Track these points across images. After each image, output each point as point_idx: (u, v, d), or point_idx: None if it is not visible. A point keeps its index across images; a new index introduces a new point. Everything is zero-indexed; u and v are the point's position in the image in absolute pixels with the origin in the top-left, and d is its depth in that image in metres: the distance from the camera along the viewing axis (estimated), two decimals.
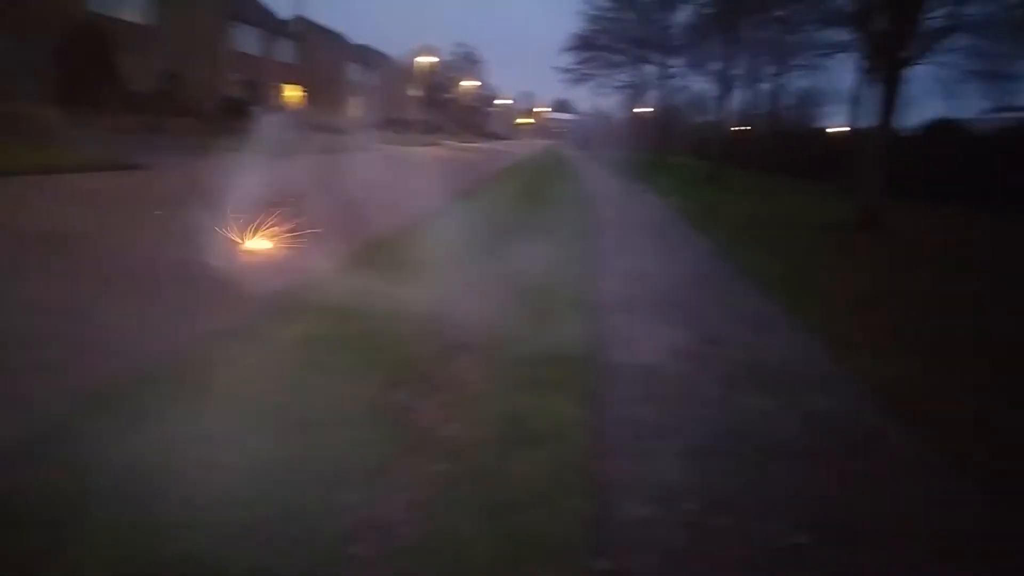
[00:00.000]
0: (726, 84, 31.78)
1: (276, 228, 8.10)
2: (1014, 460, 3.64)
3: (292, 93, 50.70)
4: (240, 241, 7.84)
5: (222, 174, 13.98)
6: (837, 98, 39.48)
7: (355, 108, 63.10)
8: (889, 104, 13.27)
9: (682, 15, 36.28)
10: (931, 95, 28.26)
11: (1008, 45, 18.74)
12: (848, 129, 31.77)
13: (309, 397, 3.74)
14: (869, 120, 16.12)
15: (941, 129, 23.95)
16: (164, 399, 3.53)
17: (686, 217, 15.19)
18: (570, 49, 45.12)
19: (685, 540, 2.66)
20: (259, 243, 7.97)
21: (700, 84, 43.57)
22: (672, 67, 41.70)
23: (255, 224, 7.96)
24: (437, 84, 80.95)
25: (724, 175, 28.47)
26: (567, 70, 46.74)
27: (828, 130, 38.22)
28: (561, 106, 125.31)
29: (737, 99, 38.94)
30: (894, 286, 8.76)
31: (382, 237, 9.42)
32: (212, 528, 2.45)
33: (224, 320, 5.07)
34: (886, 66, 13.04)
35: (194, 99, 34.68)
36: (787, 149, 33.82)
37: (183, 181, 14.86)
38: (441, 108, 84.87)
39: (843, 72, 49.01)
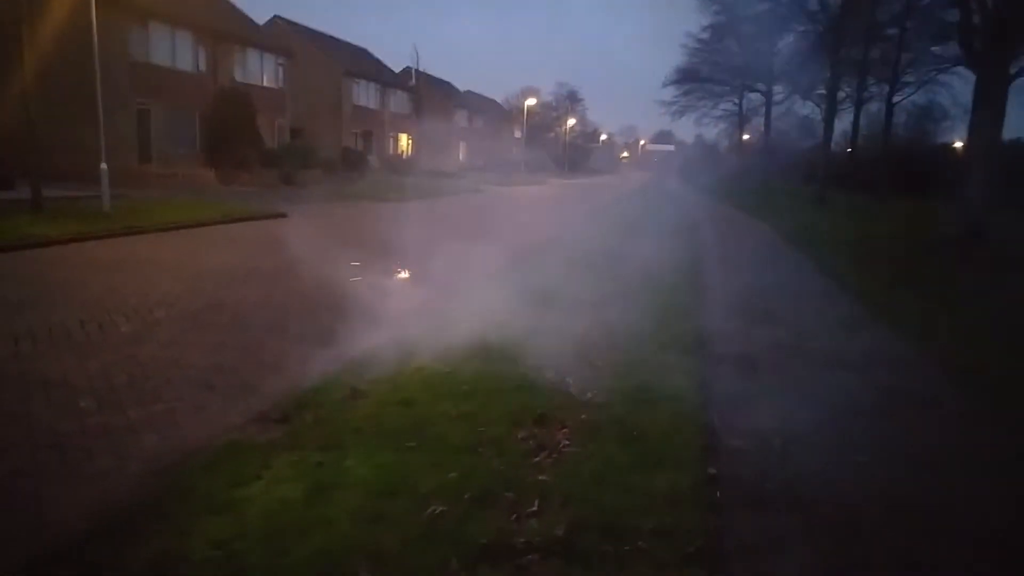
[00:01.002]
0: (832, 107, 31.61)
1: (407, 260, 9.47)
2: None
3: (405, 141, 53.89)
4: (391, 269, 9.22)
5: (351, 217, 15.63)
6: (959, 112, 38.16)
7: (463, 152, 66.01)
8: (993, 118, 13.37)
9: (785, 41, 36.38)
10: None
11: None
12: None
13: None
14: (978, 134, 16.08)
15: None
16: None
17: (788, 239, 15.61)
18: (672, 82, 45.96)
19: None
20: (396, 273, 9.32)
21: (806, 109, 43.24)
22: (776, 93, 41.67)
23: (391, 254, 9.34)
24: (540, 124, 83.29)
25: (831, 197, 28.27)
26: (669, 103, 47.56)
27: (953, 145, 37.00)
28: (663, 138, 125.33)
29: (845, 121, 38.44)
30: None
31: (484, 270, 10.60)
32: None
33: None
34: (992, 81, 13.19)
35: (318, 151, 37.71)
36: (898, 168, 33.05)
37: (321, 224, 16.83)
38: (544, 146, 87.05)
39: (964, 85, 47.09)
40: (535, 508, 3.03)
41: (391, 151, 51.26)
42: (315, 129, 40.94)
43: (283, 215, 17.73)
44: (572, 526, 2.87)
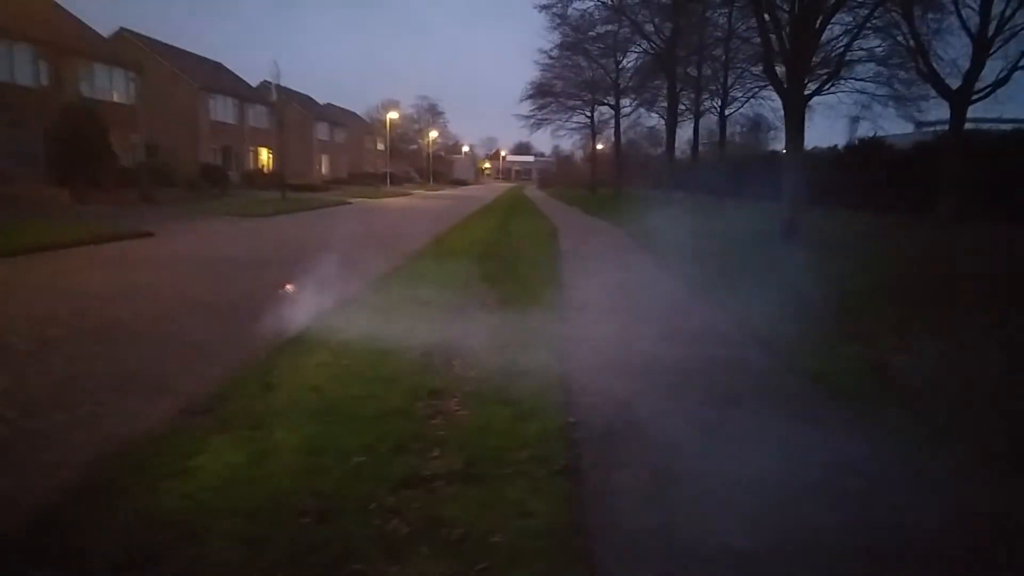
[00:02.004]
0: (673, 118, 34.51)
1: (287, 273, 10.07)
2: None
3: (265, 155, 52.88)
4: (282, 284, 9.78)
5: (223, 234, 15.81)
6: (781, 124, 42.44)
7: (325, 164, 65.40)
8: (798, 131, 15.75)
9: (629, 59, 39.15)
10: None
11: (903, 73, 21.81)
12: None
13: None
14: (808, 143, 18.64)
15: (864, 146, 26.74)
16: None
17: (635, 238, 17.36)
18: (528, 97, 48.04)
19: None
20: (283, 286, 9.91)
21: (652, 120, 46.52)
22: (624, 106, 44.60)
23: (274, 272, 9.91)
24: (402, 136, 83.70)
25: (676, 200, 30.90)
26: (526, 116, 49.64)
27: (780, 152, 41.02)
28: (523, 149, 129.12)
29: (689, 130, 41.80)
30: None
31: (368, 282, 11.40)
32: None
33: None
34: (792, 100, 15.57)
35: (176, 168, 36.51)
36: (735, 174, 36.37)
37: (192, 241, 16.85)
38: (407, 158, 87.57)
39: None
40: (437, 453, 3.95)
41: (251, 166, 50.22)
42: (172, 145, 39.61)
43: (150, 234, 17.42)
44: (467, 462, 3.81)
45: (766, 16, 16.31)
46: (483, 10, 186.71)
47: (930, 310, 8.27)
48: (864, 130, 32.96)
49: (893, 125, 30.97)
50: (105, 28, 39.81)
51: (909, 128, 31.19)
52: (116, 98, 34.29)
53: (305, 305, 8.38)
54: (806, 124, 16.47)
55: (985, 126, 28.04)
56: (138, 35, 43.23)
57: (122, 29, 42.39)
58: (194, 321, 8.14)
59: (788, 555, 2.90)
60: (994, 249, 14.25)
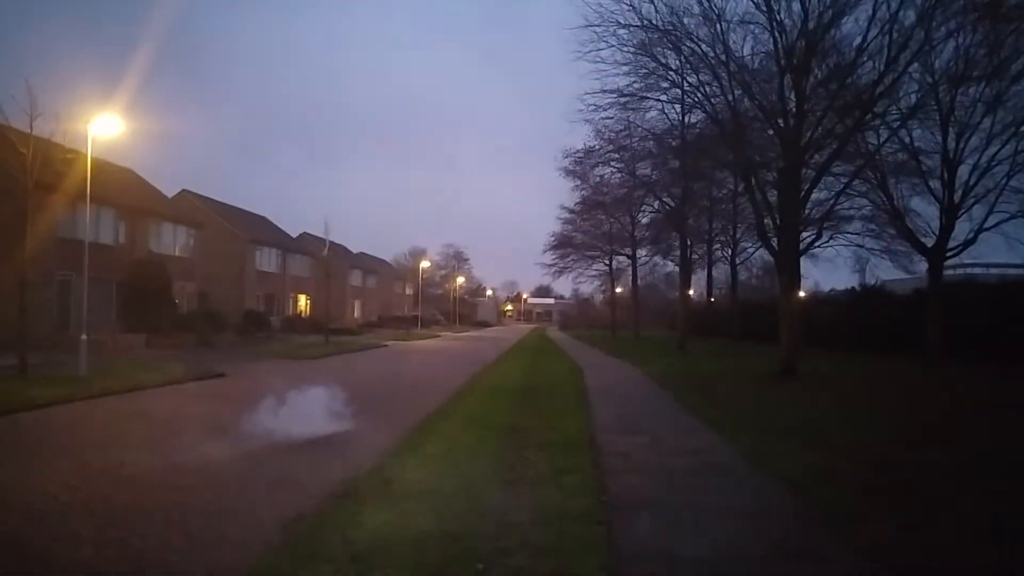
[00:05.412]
0: (686, 268, 37.45)
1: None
2: None
3: (303, 301, 56.48)
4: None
5: (284, 374, 18.17)
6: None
7: (357, 309, 69.00)
8: (789, 284, 18.18)
9: (644, 215, 42.77)
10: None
11: (888, 231, 24.52)
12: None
13: None
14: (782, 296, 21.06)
15: (866, 291, 29.19)
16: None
17: (651, 377, 19.45)
18: (550, 248, 51.90)
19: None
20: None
21: (668, 267, 49.72)
22: (640, 256, 47.98)
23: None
24: (429, 280, 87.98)
25: (690, 343, 33.13)
26: (548, 265, 53.30)
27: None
28: (543, 292, 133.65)
29: (701, 277, 44.75)
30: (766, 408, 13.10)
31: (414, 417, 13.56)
32: None
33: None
34: (782, 257, 18.14)
35: (225, 314, 39.58)
36: (745, 317, 38.83)
37: (261, 381, 19.09)
38: (433, 302, 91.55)
39: None
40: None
41: (291, 311, 53.57)
42: (220, 292, 42.85)
43: (222, 375, 19.76)
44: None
45: (753, 181, 19.13)
46: (506, 162, 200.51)
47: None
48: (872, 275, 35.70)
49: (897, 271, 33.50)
50: (170, 188, 44.57)
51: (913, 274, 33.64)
52: (177, 252, 38.05)
53: (384, 431, 10.58)
54: (819, 267, 18.93)
55: (977, 271, 30.47)
56: (197, 195, 47.89)
57: (184, 190, 47.19)
58: (298, 449, 10.09)
59: None
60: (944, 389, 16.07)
